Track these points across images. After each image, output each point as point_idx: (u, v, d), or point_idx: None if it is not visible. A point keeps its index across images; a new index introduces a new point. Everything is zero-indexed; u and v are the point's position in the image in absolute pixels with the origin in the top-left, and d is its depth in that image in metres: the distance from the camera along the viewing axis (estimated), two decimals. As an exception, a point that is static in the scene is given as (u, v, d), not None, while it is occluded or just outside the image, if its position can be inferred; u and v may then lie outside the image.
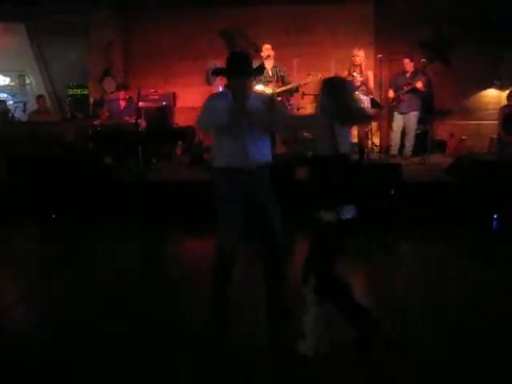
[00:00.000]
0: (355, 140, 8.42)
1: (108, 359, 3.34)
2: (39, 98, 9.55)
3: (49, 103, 10.13)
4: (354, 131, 8.17)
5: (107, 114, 8.84)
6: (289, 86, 7.92)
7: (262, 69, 4.11)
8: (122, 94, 8.93)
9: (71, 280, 4.83)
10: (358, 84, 7.92)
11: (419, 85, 8.37)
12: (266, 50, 7.91)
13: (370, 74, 8.09)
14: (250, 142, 3.59)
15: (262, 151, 3.66)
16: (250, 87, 3.66)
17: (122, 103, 8.91)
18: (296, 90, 8.05)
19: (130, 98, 9.07)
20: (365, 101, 7.97)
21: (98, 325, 3.83)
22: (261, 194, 3.69)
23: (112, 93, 9.17)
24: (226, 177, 3.64)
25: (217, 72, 4.24)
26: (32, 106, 9.87)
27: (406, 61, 8.58)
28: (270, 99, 3.83)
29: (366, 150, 8.22)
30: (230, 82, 3.69)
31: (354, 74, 7.96)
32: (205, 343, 3.48)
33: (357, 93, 7.89)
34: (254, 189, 3.65)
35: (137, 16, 10.28)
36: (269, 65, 7.76)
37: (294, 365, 3.19)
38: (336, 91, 3.18)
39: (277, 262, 3.75)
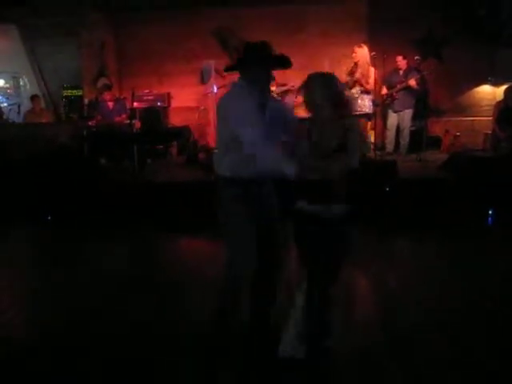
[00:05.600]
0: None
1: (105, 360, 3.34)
2: (34, 97, 9.51)
3: (43, 104, 10.10)
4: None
5: (99, 115, 8.83)
6: (287, 87, 7.98)
7: (288, 60, 3.23)
8: (107, 96, 8.91)
9: (66, 281, 4.82)
10: (359, 79, 7.91)
11: (412, 83, 8.37)
12: None
13: (372, 71, 8.02)
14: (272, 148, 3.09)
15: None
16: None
17: (110, 104, 8.90)
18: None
19: (118, 98, 9.05)
20: (365, 98, 7.94)
21: (94, 326, 3.83)
22: (270, 207, 3.34)
23: (101, 94, 9.15)
24: (243, 190, 3.16)
25: (233, 67, 3.39)
26: (26, 107, 9.84)
27: (399, 58, 8.58)
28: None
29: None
30: (250, 75, 3.16)
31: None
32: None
33: (356, 90, 7.92)
34: (266, 203, 3.28)
35: (128, 17, 10.29)
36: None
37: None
38: (330, 83, 3.03)
39: (273, 279, 3.40)
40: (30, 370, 3.25)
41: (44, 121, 9.30)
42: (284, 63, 3.21)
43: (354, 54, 8.01)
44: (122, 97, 9.47)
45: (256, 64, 3.14)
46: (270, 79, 3.25)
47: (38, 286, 4.77)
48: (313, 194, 2.97)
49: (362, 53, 7.98)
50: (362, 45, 8.10)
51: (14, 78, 10.61)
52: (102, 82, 9.90)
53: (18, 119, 9.61)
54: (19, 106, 9.92)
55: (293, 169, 2.86)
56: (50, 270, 5.28)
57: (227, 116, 3.12)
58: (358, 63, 7.94)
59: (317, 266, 3.01)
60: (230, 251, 3.27)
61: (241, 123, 3.02)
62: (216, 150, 3.40)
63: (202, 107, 9.60)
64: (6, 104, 10.27)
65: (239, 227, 3.18)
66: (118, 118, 8.77)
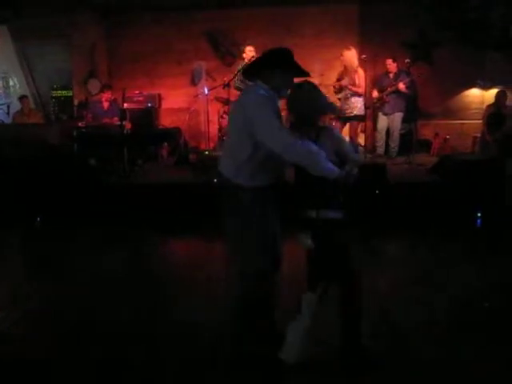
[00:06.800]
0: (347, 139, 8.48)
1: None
2: (22, 98, 9.47)
3: (33, 105, 10.05)
4: (346, 131, 8.21)
5: (90, 116, 8.80)
6: None
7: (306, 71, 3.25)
8: (105, 95, 8.90)
9: (56, 283, 4.80)
10: (345, 85, 7.94)
11: (401, 86, 8.40)
12: (250, 51, 7.91)
13: (361, 72, 8.02)
14: None
15: None
16: None
17: (106, 104, 8.87)
18: None
19: (113, 99, 9.04)
20: (357, 100, 7.97)
21: (89, 327, 3.82)
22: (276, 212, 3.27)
23: (96, 94, 9.12)
24: (265, 195, 3.12)
25: (253, 71, 3.28)
26: (16, 108, 9.79)
27: (389, 61, 8.62)
28: None
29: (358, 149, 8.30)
30: (275, 81, 3.12)
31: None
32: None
33: (347, 94, 7.94)
34: (274, 208, 3.23)
35: (120, 18, 10.28)
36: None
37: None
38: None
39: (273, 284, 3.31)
40: (25, 370, 3.24)
41: (32, 122, 9.25)
42: (304, 72, 3.21)
43: (341, 57, 8.03)
44: (113, 98, 9.46)
45: (283, 70, 3.11)
46: (290, 87, 3.17)
47: (25, 288, 4.74)
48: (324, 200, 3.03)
49: (350, 56, 7.96)
50: (351, 47, 8.09)
51: (4, 79, 10.55)
52: (93, 82, 9.88)
53: (7, 120, 9.55)
54: (8, 107, 9.85)
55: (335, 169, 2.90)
56: (37, 271, 5.27)
57: (250, 122, 2.98)
58: (346, 67, 7.96)
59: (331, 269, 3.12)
60: (249, 257, 3.14)
61: (268, 129, 2.94)
62: (226, 159, 3.22)
63: (193, 108, 9.61)
64: (-5, 104, 10.21)
65: (266, 231, 3.11)
66: (109, 120, 8.74)
